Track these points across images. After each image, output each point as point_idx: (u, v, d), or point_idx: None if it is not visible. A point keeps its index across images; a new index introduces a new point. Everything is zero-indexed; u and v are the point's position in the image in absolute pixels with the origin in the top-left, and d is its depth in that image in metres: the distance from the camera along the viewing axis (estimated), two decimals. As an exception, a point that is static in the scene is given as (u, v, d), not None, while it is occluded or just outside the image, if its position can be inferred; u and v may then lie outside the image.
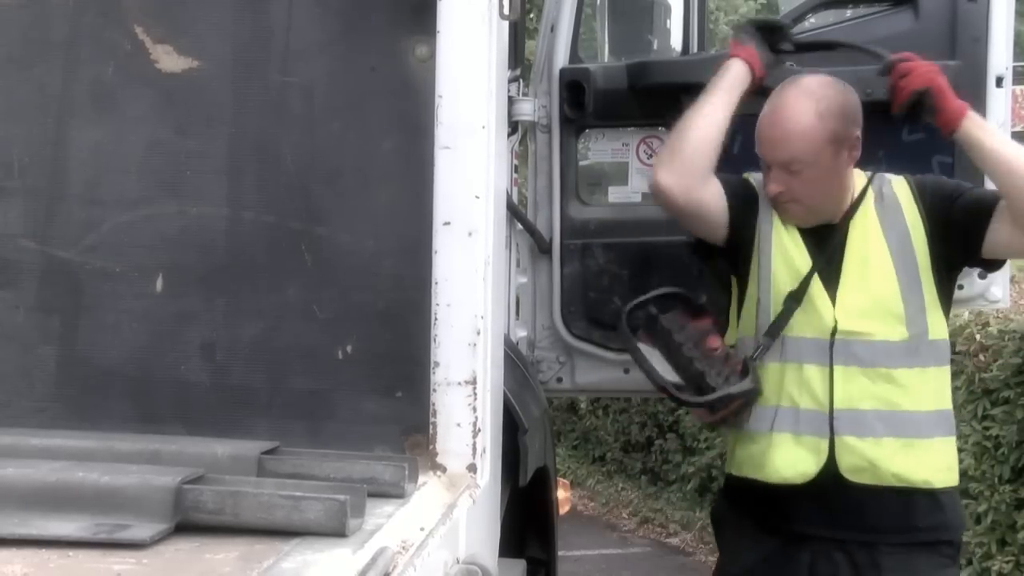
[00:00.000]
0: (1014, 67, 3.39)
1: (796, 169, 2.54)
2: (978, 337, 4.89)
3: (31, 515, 1.42)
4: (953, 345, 4.99)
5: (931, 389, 2.56)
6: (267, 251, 1.90)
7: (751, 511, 2.68)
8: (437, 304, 1.82)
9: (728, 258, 2.74)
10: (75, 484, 1.45)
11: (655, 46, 4.19)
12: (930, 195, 2.60)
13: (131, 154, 1.91)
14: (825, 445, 2.54)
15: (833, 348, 2.55)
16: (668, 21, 4.14)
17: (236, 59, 1.92)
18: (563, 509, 3.97)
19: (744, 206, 2.67)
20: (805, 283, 2.58)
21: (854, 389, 2.53)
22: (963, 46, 3.18)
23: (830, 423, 2.53)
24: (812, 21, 3.54)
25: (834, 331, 2.55)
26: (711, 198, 2.65)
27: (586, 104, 3.30)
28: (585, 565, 6.70)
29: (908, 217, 2.59)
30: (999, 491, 4.71)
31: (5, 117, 1.92)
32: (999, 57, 3.20)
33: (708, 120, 2.64)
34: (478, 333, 1.83)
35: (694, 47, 3.95)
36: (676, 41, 4.05)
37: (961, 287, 3.28)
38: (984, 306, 3.56)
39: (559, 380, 3.51)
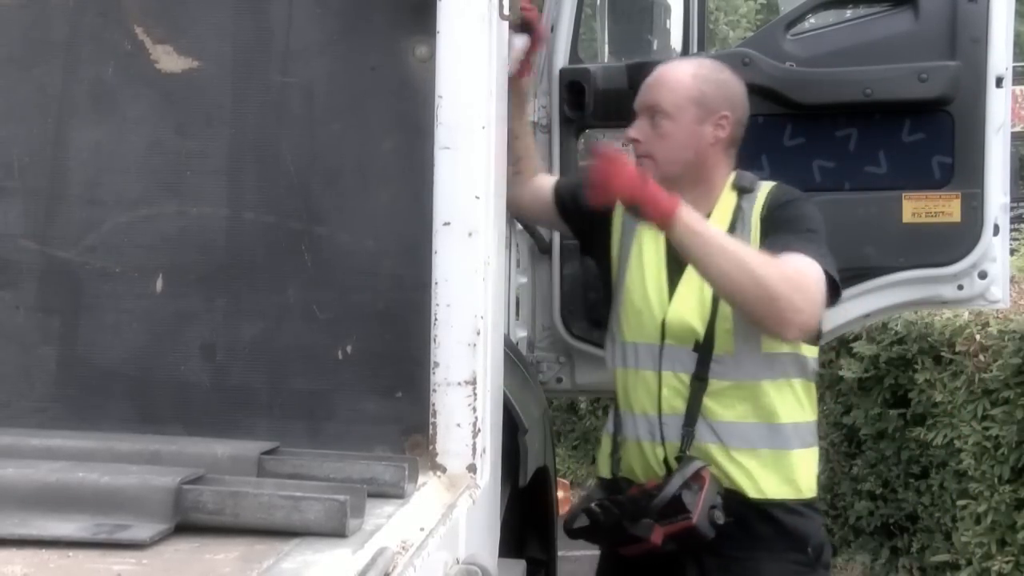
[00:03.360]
0: (1014, 67, 3.39)
1: (656, 117, 2.59)
2: (978, 337, 4.89)
3: (31, 515, 1.42)
4: (953, 345, 5.02)
5: (764, 402, 2.54)
6: (267, 251, 1.90)
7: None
8: (437, 304, 1.82)
9: (591, 255, 2.90)
10: (75, 484, 1.45)
11: (655, 46, 4.19)
12: (777, 228, 2.54)
13: (131, 154, 1.91)
14: (660, 451, 2.59)
15: (662, 354, 2.59)
16: (668, 21, 4.14)
17: (236, 59, 1.92)
18: (563, 509, 3.97)
19: (586, 205, 2.68)
20: (648, 288, 2.63)
21: (677, 396, 2.57)
22: (963, 46, 3.18)
23: (660, 429, 2.59)
24: (812, 21, 3.54)
25: (663, 338, 2.59)
26: (529, 207, 2.87)
27: (586, 104, 3.30)
28: (585, 565, 6.67)
29: (754, 238, 2.56)
30: (999, 491, 4.71)
31: (5, 117, 1.92)
32: (999, 57, 3.20)
33: None
34: (478, 333, 1.83)
35: (694, 47, 3.96)
36: (676, 41, 4.06)
37: (961, 287, 3.30)
38: (984, 306, 3.56)
39: (559, 380, 3.51)
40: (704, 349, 2.55)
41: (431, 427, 1.82)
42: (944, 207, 3.24)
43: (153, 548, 1.38)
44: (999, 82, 3.20)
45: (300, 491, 1.48)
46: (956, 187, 3.24)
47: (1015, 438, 4.63)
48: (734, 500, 2.52)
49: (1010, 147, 3.29)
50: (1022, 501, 4.68)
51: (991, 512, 4.76)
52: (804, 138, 3.26)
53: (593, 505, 2.63)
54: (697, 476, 2.49)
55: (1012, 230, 3.74)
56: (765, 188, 2.64)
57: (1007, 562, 4.71)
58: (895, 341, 5.45)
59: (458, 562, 1.73)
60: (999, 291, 3.32)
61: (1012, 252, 4.72)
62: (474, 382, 1.82)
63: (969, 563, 4.93)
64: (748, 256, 2.41)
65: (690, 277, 2.57)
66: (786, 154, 3.20)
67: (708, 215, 2.59)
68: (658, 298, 2.61)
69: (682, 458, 2.55)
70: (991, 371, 4.75)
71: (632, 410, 2.66)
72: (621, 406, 2.71)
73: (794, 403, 2.60)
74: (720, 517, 2.47)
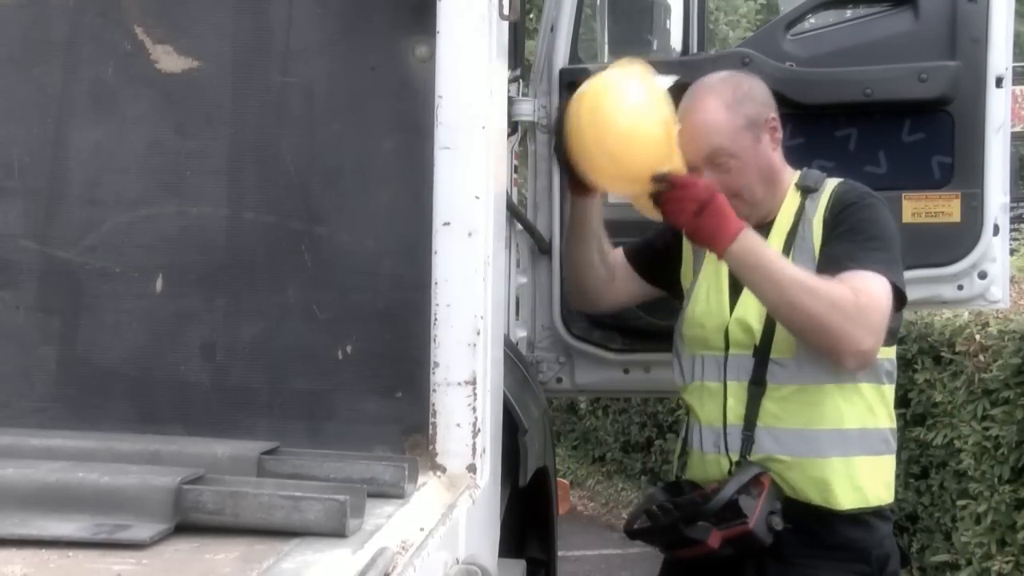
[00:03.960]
0: (1014, 67, 3.39)
1: (721, 162, 2.56)
2: (978, 337, 4.89)
3: (31, 515, 1.42)
4: (953, 345, 5.02)
5: (830, 407, 2.52)
6: (267, 251, 1.90)
7: None
8: (437, 304, 1.82)
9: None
10: (75, 484, 1.45)
11: (655, 46, 4.19)
12: (839, 228, 2.52)
13: (131, 154, 1.91)
14: (725, 462, 2.57)
15: (727, 364, 2.58)
16: (668, 21, 4.14)
17: (236, 59, 1.92)
18: (563, 509, 3.97)
19: (658, 258, 2.83)
20: (710, 299, 2.63)
21: (741, 405, 2.55)
22: (963, 46, 3.18)
23: (724, 440, 2.57)
24: (812, 21, 3.54)
25: (727, 347, 2.58)
26: (620, 293, 2.87)
27: (586, 104, 3.29)
28: (585, 565, 6.70)
29: (816, 243, 2.54)
30: (999, 491, 4.71)
31: (5, 117, 1.92)
32: (999, 57, 3.20)
33: (570, 257, 2.89)
34: (478, 333, 1.82)
35: (694, 47, 3.95)
36: (676, 41, 4.05)
37: (961, 287, 3.30)
38: (984, 306, 3.56)
39: (559, 380, 3.51)
40: (761, 352, 2.53)
41: (431, 427, 1.82)
42: (944, 207, 3.24)
43: (153, 548, 1.38)
44: (999, 82, 3.20)
45: (300, 491, 1.48)
46: (956, 187, 3.24)
47: (1015, 438, 4.64)
48: (797, 507, 2.50)
49: (1010, 147, 3.29)
50: (1022, 501, 4.68)
51: (991, 512, 4.76)
52: (804, 138, 3.25)
53: (654, 507, 2.62)
54: (757, 481, 2.48)
55: (1012, 230, 3.74)
56: (829, 187, 2.60)
57: (1007, 562, 4.71)
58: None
59: (458, 562, 1.73)
60: (999, 291, 3.32)
61: (1012, 252, 4.72)
62: (474, 382, 1.82)
63: (969, 563, 4.94)
64: (803, 289, 2.38)
65: None
66: (786, 154, 3.19)
67: (773, 220, 2.59)
68: (719, 308, 2.60)
69: (741, 463, 2.54)
70: (991, 371, 4.75)
71: (699, 422, 2.64)
72: (690, 418, 2.71)
73: (863, 408, 2.55)
74: (779, 523, 2.45)
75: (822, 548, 2.52)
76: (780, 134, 2.64)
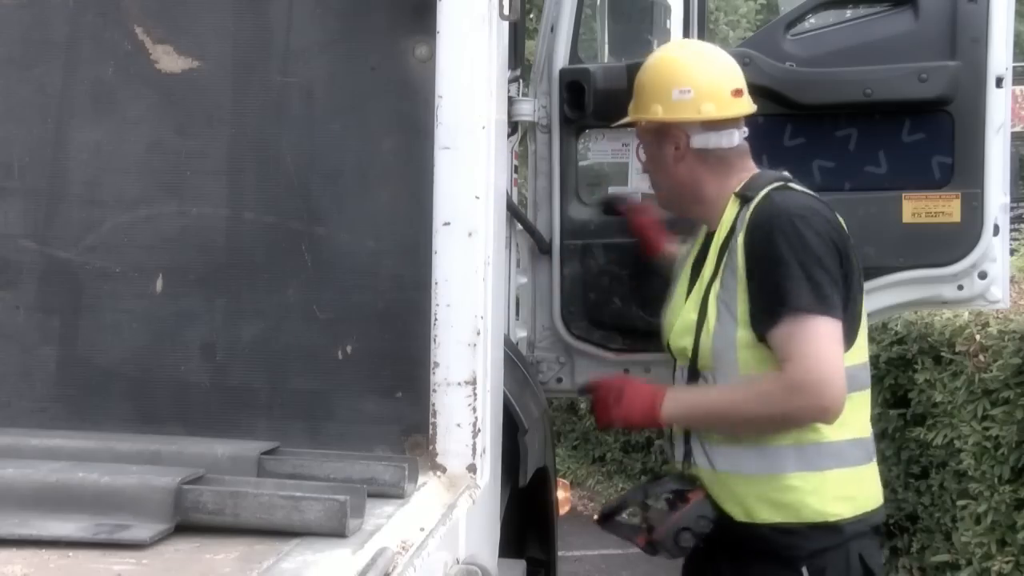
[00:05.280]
0: (1014, 67, 3.39)
1: (644, 145, 2.74)
2: (978, 337, 4.88)
3: (31, 515, 1.42)
4: (953, 345, 5.02)
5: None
6: (267, 251, 1.90)
7: None
8: (437, 304, 1.82)
9: None
10: (75, 484, 1.45)
11: (655, 46, 4.19)
12: (756, 267, 2.43)
13: (131, 154, 1.91)
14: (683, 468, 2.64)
15: (675, 373, 2.66)
16: (668, 21, 4.13)
17: (236, 59, 1.92)
18: (563, 509, 3.97)
19: None
20: (671, 311, 2.67)
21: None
22: (963, 46, 3.18)
23: (683, 448, 2.63)
24: (812, 21, 3.54)
25: (675, 357, 2.65)
26: None
27: (586, 104, 3.29)
28: (585, 565, 6.69)
29: (740, 264, 2.46)
30: (999, 491, 4.71)
31: (5, 117, 1.92)
32: (999, 57, 3.20)
33: None
34: (478, 333, 1.83)
35: (694, 47, 3.94)
36: (676, 41, 4.05)
37: (961, 287, 3.30)
38: (984, 306, 3.56)
39: (559, 380, 3.50)
40: (692, 364, 2.55)
41: (431, 427, 1.82)
42: (944, 207, 3.24)
43: (153, 548, 1.38)
44: (999, 82, 3.20)
45: (300, 491, 1.49)
46: (956, 187, 3.24)
47: (1015, 438, 4.63)
48: (728, 520, 2.51)
49: (1010, 147, 3.29)
50: (1022, 501, 4.68)
51: (991, 512, 4.75)
52: (804, 138, 3.25)
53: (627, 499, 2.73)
54: (683, 497, 2.51)
55: (1012, 230, 3.74)
56: (755, 201, 2.50)
57: (1007, 562, 4.70)
58: (895, 341, 5.45)
59: (458, 562, 1.73)
60: (999, 291, 3.31)
61: (1012, 252, 4.71)
62: (474, 382, 1.82)
63: (969, 563, 4.93)
64: (743, 405, 2.45)
65: (695, 295, 2.56)
66: (786, 154, 3.19)
67: (713, 232, 2.56)
68: (671, 318, 2.65)
69: (668, 475, 2.63)
70: (991, 371, 4.74)
71: (671, 428, 2.68)
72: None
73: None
74: (689, 540, 2.49)
75: (756, 556, 2.51)
76: (684, 148, 2.59)
